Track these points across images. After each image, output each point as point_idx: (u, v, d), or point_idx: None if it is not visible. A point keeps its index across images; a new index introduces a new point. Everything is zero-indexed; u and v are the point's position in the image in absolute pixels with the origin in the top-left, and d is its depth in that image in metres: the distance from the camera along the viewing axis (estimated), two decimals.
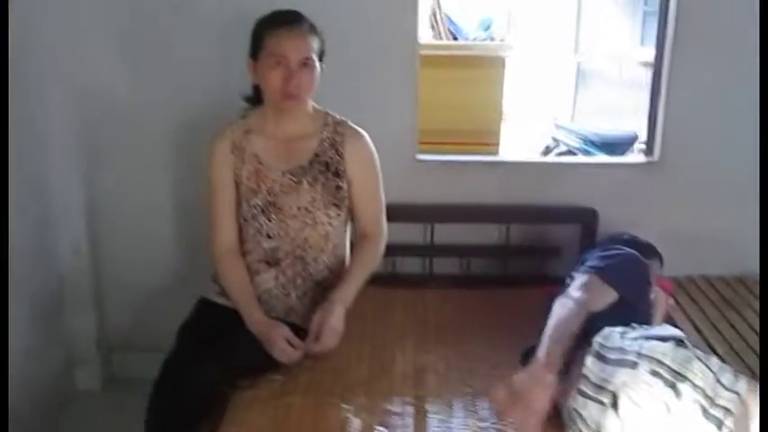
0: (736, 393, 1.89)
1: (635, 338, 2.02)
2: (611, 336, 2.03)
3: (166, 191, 3.09)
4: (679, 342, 2.01)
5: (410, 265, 3.05)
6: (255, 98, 2.46)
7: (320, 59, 2.32)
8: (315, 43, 2.30)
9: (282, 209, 2.37)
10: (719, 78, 2.92)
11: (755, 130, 2.56)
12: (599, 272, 2.23)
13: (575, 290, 2.19)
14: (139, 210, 3.10)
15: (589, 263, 2.31)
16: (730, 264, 3.07)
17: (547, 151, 6.27)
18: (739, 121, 2.94)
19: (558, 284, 2.73)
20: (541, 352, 1.98)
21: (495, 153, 3.98)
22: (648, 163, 3.06)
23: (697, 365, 1.92)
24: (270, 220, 2.38)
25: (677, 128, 2.98)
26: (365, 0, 2.85)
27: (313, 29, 2.31)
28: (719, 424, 1.85)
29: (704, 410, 1.85)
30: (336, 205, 2.39)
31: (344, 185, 2.39)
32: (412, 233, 3.05)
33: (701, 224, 3.03)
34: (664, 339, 2.02)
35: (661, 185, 3.04)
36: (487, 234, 3.10)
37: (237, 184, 2.40)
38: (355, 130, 2.43)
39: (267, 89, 2.31)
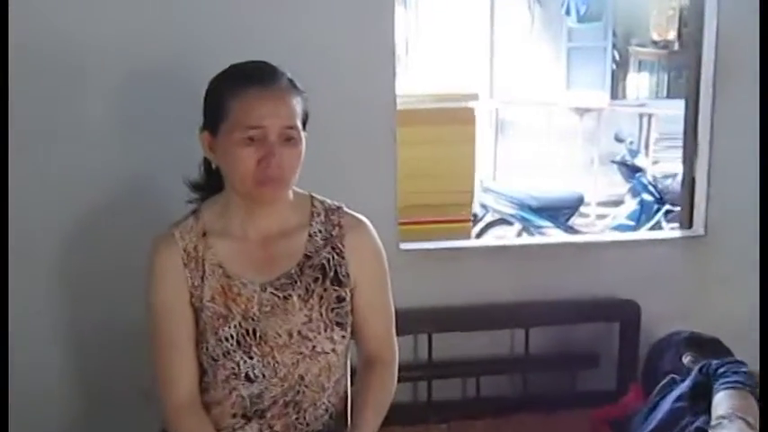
0: None
1: None
2: None
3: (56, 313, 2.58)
4: None
5: (401, 393, 2.66)
6: (208, 184, 2.05)
7: (304, 127, 1.94)
8: (299, 106, 1.91)
9: (267, 338, 1.94)
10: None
11: None
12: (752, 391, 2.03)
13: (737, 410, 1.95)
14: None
15: (733, 378, 2.06)
16: None
17: (474, 221, 6.04)
18: None
19: (606, 403, 2.47)
20: None
21: (467, 232, 3.68)
22: (691, 238, 2.81)
23: None
24: (250, 357, 1.93)
25: (722, 194, 2.78)
26: (330, 46, 2.52)
27: (293, 85, 1.93)
28: None
29: None
30: (340, 324, 1.99)
31: (348, 295, 2.01)
32: (402, 350, 2.67)
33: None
34: None
35: (709, 265, 2.80)
36: (499, 343, 2.74)
37: (197, 310, 1.95)
38: (355, 217, 2.05)
39: (235, 173, 1.88)
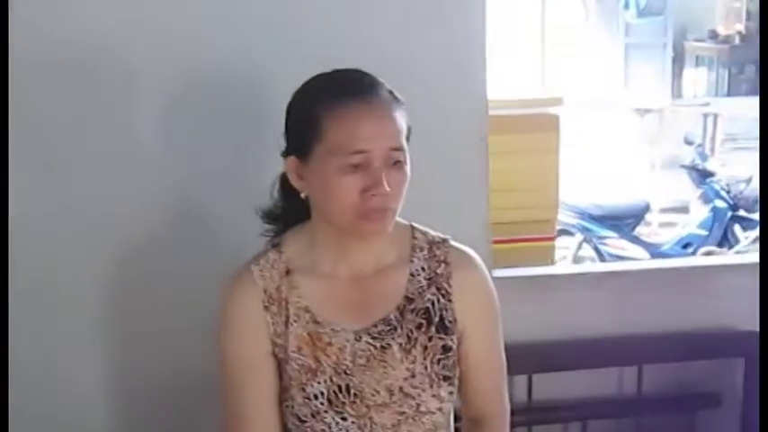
0: None
1: None
2: None
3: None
4: None
5: None
6: (287, 214, 1.78)
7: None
8: (403, 121, 1.65)
9: (363, 396, 1.67)
10: None
11: None
12: None
13: None
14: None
15: None
16: None
17: None
18: None
19: None
20: None
21: (551, 252, 3.38)
22: None
23: None
24: (344, 417, 1.66)
25: None
26: (410, 44, 2.24)
27: (394, 97, 1.66)
28: None
29: None
30: (447, 379, 1.71)
31: (455, 344, 1.73)
32: None
33: None
34: None
35: None
36: (606, 383, 2.47)
37: (280, 362, 1.69)
38: (463, 252, 1.77)
39: (333, 205, 1.60)
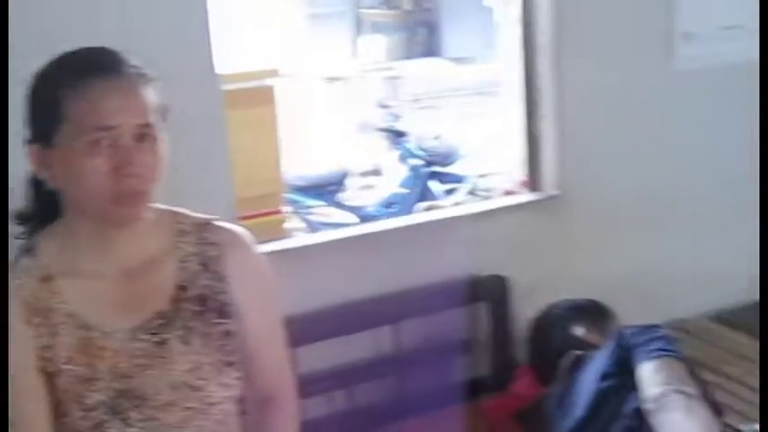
0: None
1: None
2: None
3: None
4: None
5: None
6: (39, 212, 1.62)
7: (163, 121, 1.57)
8: (153, 96, 1.55)
9: (146, 397, 1.57)
10: (611, 88, 2.74)
11: (665, 141, 2.77)
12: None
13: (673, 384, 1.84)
14: None
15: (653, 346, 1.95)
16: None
17: None
18: (645, 133, 2.83)
19: (489, 393, 2.34)
20: None
21: (281, 226, 3.34)
22: (548, 199, 2.74)
23: None
24: (129, 425, 1.55)
25: (572, 153, 2.73)
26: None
27: (142, 73, 1.56)
28: None
29: None
30: (232, 364, 1.66)
31: (236, 327, 1.67)
32: None
33: (627, 262, 2.82)
34: None
35: (570, 225, 2.75)
36: (364, 346, 2.52)
37: (52, 376, 1.54)
38: (232, 232, 1.71)
39: (81, 192, 1.47)
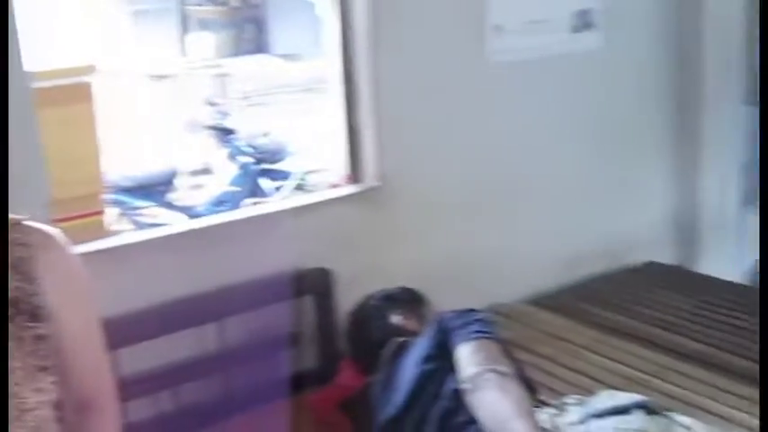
0: None
1: (583, 419, 1.77)
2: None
3: None
4: (645, 408, 1.79)
5: None
6: None
7: None
8: None
9: None
10: (427, 80, 2.82)
11: (481, 131, 2.84)
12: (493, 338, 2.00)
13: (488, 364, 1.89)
14: None
15: (470, 329, 2.00)
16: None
17: None
18: (462, 124, 2.90)
19: (317, 385, 2.37)
20: None
21: (102, 228, 3.24)
22: (369, 191, 2.78)
23: None
24: None
25: (392, 145, 2.78)
26: None
27: None
28: None
29: None
30: (46, 369, 1.61)
31: (49, 331, 1.63)
32: None
33: (448, 250, 2.89)
34: (622, 411, 1.78)
35: (392, 215, 2.80)
36: (188, 345, 2.48)
37: None
38: (44, 232, 1.66)
39: None
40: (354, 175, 2.81)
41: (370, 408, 2.10)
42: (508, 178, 3.03)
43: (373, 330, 2.33)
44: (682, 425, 1.74)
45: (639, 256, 3.44)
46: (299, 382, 2.45)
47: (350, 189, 2.77)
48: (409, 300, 2.43)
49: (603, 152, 3.32)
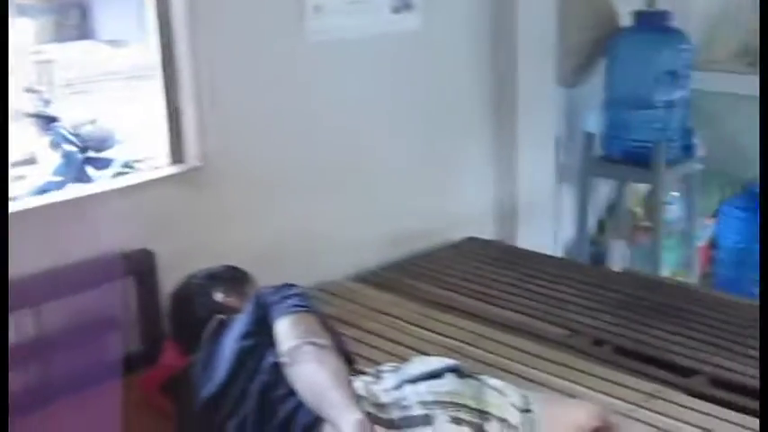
0: (530, 411, 1.83)
1: (399, 385, 1.81)
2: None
3: None
4: (457, 372, 1.85)
5: None
6: None
7: None
8: None
9: None
10: (249, 60, 2.82)
11: (305, 110, 2.87)
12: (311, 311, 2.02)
13: (306, 337, 1.89)
14: None
15: (288, 303, 2.01)
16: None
17: None
18: (285, 103, 2.91)
19: (143, 367, 2.34)
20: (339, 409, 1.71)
21: None
22: (191, 171, 2.75)
23: (490, 395, 1.79)
24: None
25: (214, 125, 2.75)
26: None
27: None
28: None
29: None
30: None
31: None
32: None
33: (273, 229, 2.90)
34: (436, 375, 1.83)
35: (215, 196, 2.78)
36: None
37: None
38: None
39: None
40: (177, 156, 2.77)
41: (192, 387, 2.08)
42: (332, 158, 3.07)
43: (195, 309, 2.30)
44: (493, 387, 1.80)
45: (461, 233, 3.54)
46: (123, 365, 2.41)
47: (171, 170, 2.73)
48: (232, 278, 2.41)
49: (424, 132, 3.40)
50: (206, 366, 2.08)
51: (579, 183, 3.98)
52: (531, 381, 2.32)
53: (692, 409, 2.24)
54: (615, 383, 2.37)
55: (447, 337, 2.64)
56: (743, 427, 2.14)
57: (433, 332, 2.69)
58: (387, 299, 2.96)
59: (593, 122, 3.95)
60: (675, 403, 2.27)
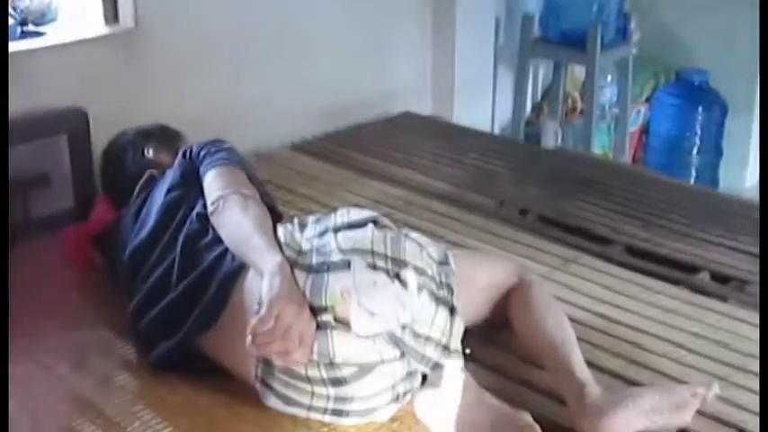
0: (447, 264, 1.86)
1: (320, 234, 1.84)
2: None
3: None
4: (377, 223, 1.88)
5: None
6: None
7: None
8: None
9: None
10: None
11: None
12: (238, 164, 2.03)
13: (232, 187, 1.92)
14: None
15: (217, 156, 2.03)
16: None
17: None
18: None
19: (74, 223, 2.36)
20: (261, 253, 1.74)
21: None
22: (122, 33, 2.72)
23: (408, 245, 1.81)
24: None
25: None
26: None
27: None
28: (449, 305, 1.79)
29: (432, 294, 1.77)
30: None
31: None
32: None
33: (208, 96, 2.89)
34: (356, 225, 1.86)
35: (147, 57, 2.75)
36: None
37: None
38: None
39: None
40: (110, 17, 2.74)
41: (122, 238, 2.10)
42: (269, 27, 3.05)
43: (126, 164, 2.30)
44: (412, 239, 1.82)
45: (398, 109, 3.57)
46: (55, 222, 2.42)
47: (105, 30, 2.70)
48: (164, 135, 2.40)
49: (364, 7, 3.38)
50: (136, 218, 2.10)
51: (517, 63, 4.01)
52: (458, 245, 2.37)
53: (607, 273, 2.33)
54: (537, 249, 2.44)
55: (378, 202, 2.68)
56: (653, 290, 2.23)
57: (365, 197, 2.73)
58: (320, 166, 3.00)
59: (533, 4, 3.95)
60: (591, 268, 2.35)
